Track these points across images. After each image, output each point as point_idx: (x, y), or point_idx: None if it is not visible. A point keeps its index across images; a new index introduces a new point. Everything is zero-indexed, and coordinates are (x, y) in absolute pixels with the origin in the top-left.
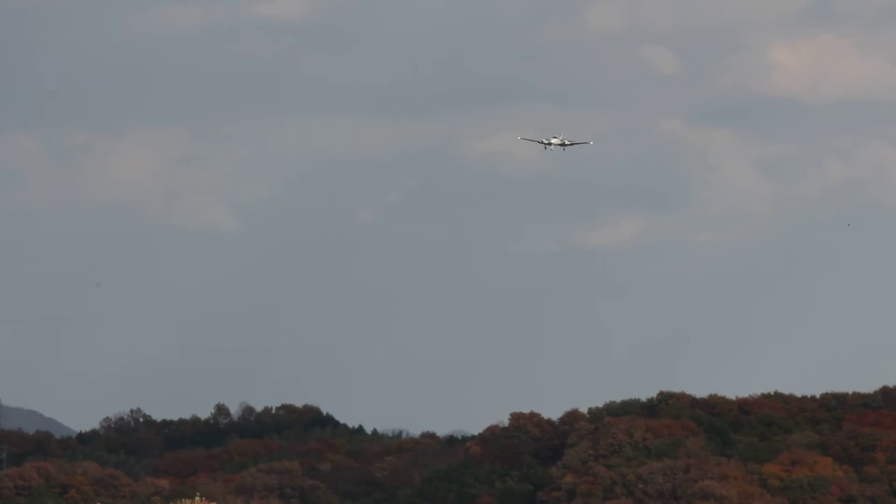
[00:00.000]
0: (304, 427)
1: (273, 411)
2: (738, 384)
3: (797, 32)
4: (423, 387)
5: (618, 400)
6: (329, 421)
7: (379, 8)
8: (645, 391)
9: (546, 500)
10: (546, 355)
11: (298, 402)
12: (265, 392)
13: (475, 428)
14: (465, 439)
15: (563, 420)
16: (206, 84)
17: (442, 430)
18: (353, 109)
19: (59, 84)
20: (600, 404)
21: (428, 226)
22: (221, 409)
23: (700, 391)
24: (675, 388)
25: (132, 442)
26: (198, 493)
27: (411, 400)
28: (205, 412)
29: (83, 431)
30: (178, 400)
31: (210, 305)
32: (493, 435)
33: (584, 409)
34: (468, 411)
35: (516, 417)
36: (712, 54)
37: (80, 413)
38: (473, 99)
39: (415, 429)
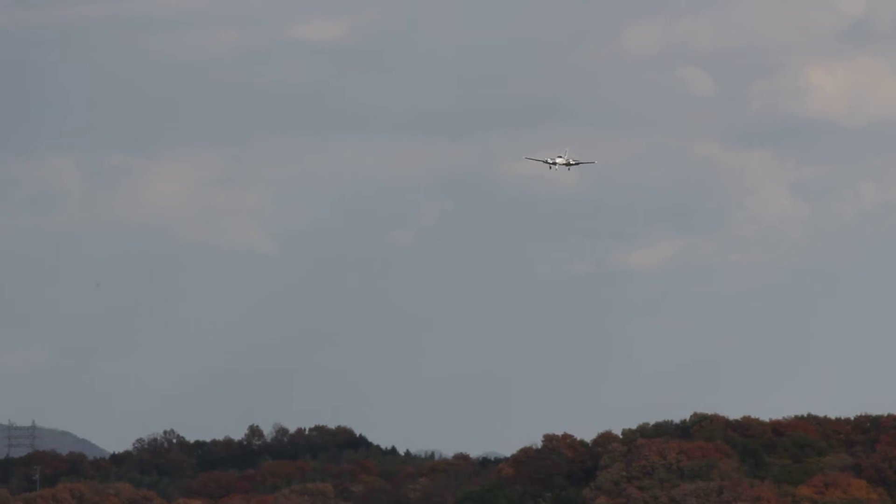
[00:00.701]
0: (337, 448)
1: (306, 433)
2: (771, 406)
3: (834, 55)
4: (456, 408)
5: (651, 422)
6: (362, 442)
7: (415, 30)
8: (678, 413)
9: None
10: (579, 377)
11: (331, 424)
12: (298, 413)
13: (508, 449)
14: (497, 461)
15: (596, 442)
16: (242, 107)
17: (475, 452)
18: (389, 131)
19: (96, 106)
20: (633, 426)
21: (463, 247)
22: (254, 431)
23: (733, 413)
24: (709, 409)
25: (165, 463)
26: None
27: (444, 421)
28: (238, 433)
29: (116, 452)
30: (212, 421)
31: (244, 327)
32: (526, 456)
33: (617, 431)
34: (501, 433)
35: (549, 439)
36: (748, 76)
37: (113, 434)
38: (510, 120)
39: (448, 450)
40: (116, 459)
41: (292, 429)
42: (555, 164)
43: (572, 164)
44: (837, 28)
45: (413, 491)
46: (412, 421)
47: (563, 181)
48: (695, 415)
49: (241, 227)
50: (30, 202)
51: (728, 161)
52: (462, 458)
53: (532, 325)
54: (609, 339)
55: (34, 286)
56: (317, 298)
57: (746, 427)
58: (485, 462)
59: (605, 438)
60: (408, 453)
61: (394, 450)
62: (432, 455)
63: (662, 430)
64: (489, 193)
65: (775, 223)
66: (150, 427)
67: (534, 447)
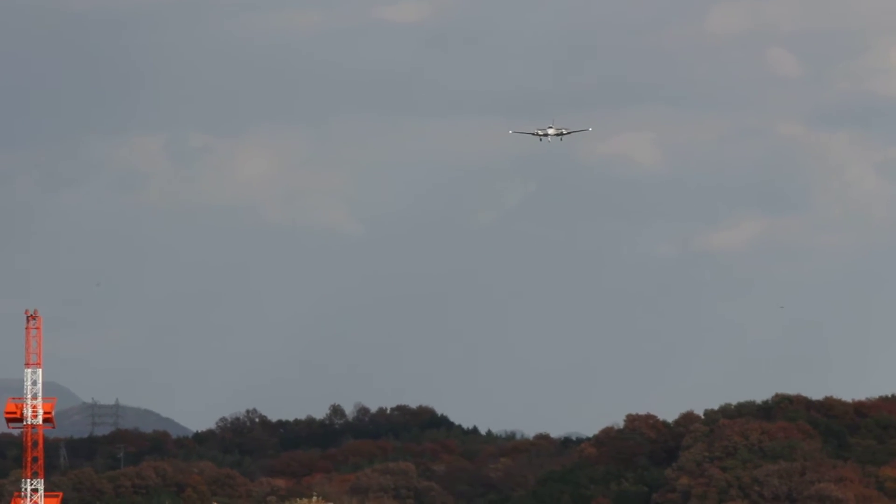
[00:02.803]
0: (418, 428)
1: (388, 412)
2: (854, 386)
3: None
4: (538, 388)
5: (733, 402)
6: (443, 422)
7: (499, 11)
8: (760, 393)
9: (661, 501)
10: (662, 357)
11: (413, 404)
12: (380, 393)
13: (590, 430)
14: (579, 441)
15: (678, 422)
16: (326, 87)
17: (556, 432)
18: (473, 112)
19: (182, 88)
20: (716, 406)
21: (547, 228)
22: (336, 410)
23: (816, 393)
24: (791, 390)
25: (248, 442)
26: (314, 493)
27: (526, 401)
28: (320, 413)
29: (199, 431)
30: (294, 401)
31: (328, 307)
32: (607, 437)
33: (699, 412)
34: (583, 413)
35: (631, 419)
36: (834, 57)
37: (196, 413)
38: (594, 101)
39: (529, 430)
40: (199, 438)
41: (374, 408)
42: (546, 135)
43: (564, 134)
44: None
45: (495, 471)
46: (494, 401)
47: (647, 163)
48: (777, 395)
49: (326, 208)
50: (116, 183)
51: (813, 142)
52: (543, 438)
53: (615, 305)
54: (692, 320)
55: (120, 266)
56: (401, 279)
57: (829, 408)
58: (566, 442)
59: (688, 419)
60: (489, 433)
61: (475, 430)
62: (514, 435)
63: (745, 411)
64: (573, 174)
65: (860, 204)
66: (233, 406)
67: (616, 427)
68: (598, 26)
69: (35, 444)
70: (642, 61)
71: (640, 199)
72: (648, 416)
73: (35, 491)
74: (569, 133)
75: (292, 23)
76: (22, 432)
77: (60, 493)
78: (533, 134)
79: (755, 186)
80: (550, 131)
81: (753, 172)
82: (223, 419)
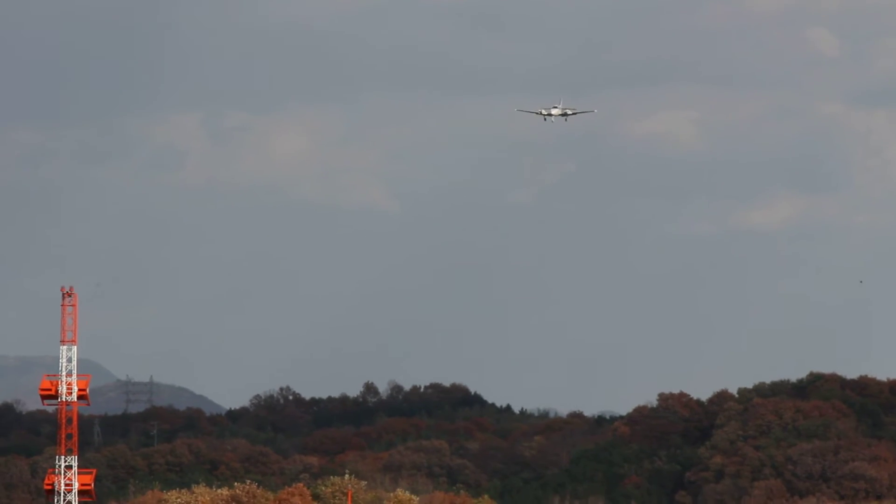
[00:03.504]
0: (451, 406)
1: (421, 390)
2: (890, 365)
3: None
4: (572, 367)
5: (767, 381)
6: (477, 400)
7: None
8: (795, 372)
9: (694, 480)
10: (696, 336)
11: (446, 381)
12: (414, 371)
13: (623, 408)
14: (612, 419)
15: (711, 401)
16: (362, 66)
17: (590, 410)
18: (510, 91)
19: (219, 66)
20: (749, 385)
21: (584, 207)
22: (370, 388)
23: (851, 372)
24: (826, 369)
25: (281, 420)
26: (347, 471)
27: (559, 379)
28: (353, 391)
29: (233, 409)
30: (328, 378)
31: (362, 285)
32: (641, 415)
33: (732, 390)
34: (616, 391)
35: (665, 398)
36: (874, 35)
37: (229, 390)
38: (633, 80)
39: (562, 408)
40: (233, 415)
41: (407, 386)
42: (550, 115)
43: (569, 114)
44: None
45: (528, 449)
46: (527, 379)
47: (686, 142)
48: (811, 374)
49: (362, 187)
50: (153, 160)
51: (853, 121)
52: (577, 417)
53: (650, 284)
54: (727, 298)
55: (155, 243)
56: (436, 257)
57: (864, 386)
58: (600, 420)
59: (721, 397)
60: (523, 411)
61: (509, 408)
62: (547, 413)
63: (779, 390)
64: (611, 153)
65: None
66: (267, 384)
67: (649, 406)
68: (637, 3)
69: (69, 420)
70: (682, 40)
71: (678, 178)
72: (682, 395)
73: (69, 467)
74: (574, 114)
75: (329, 1)
76: (57, 409)
77: (94, 470)
78: (537, 113)
79: (794, 165)
80: (555, 111)
81: (793, 151)
82: (257, 396)
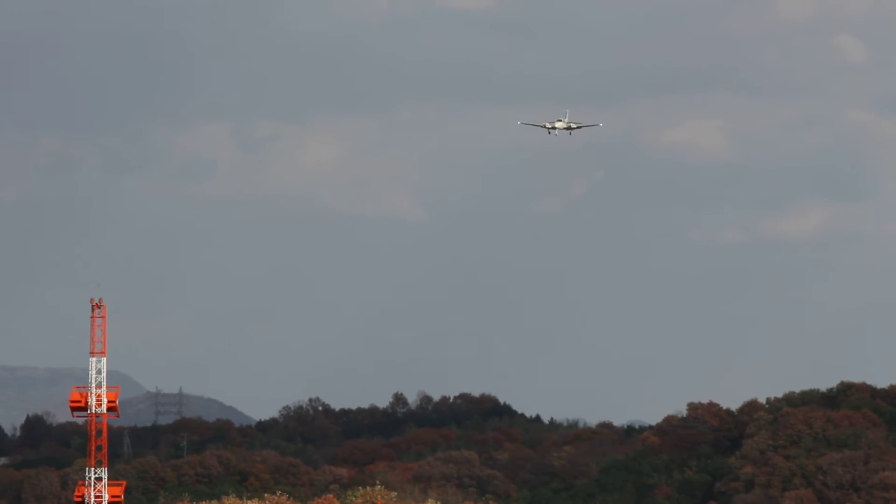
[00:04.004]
0: (481, 416)
1: (450, 401)
2: None
3: None
4: (601, 377)
5: (797, 390)
6: (506, 410)
7: None
8: (825, 381)
9: (724, 490)
10: (725, 345)
11: (476, 392)
12: (443, 382)
13: (652, 418)
14: (642, 429)
15: (741, 410)
16: (391, 75)
17: (619, 420)
18: (538, 99)
19: (249, 76)
20: (779, 394)
21: (613, 216)
22: (399, 399)
23: (881, 381)
24: (856, 378)
25: (310, 430)
26: (377, 482)
27: (588, 390)
28: (383, 401)
29: (262, 420)
30: (357, 389)
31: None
32: (670, 425)
33: (762, 399)
34: (645, 401)
35: (694, 408)
36: None
37: (259, 402)
38: (659, 88)
39: (592, 418)
40: (262, 427)
41: (436, 397)
42: (554, 128)
43: (574, 128)
44: None
45: (558, 459)
46: (556, 389)
47: (713, 150)
48: (841, 383)
49: (390, 196)
50: (183, 169)
51: (881, 128)
52: (606, 427)
53: (679, 293)
54: (756, 307)
55: (185, 253)
56: (463, 267)
57: (894, 395)
58: (629, 430)
59: (751, 407)
60: (552, 421)
61: (538, 418)
62: (576, 423)
63: (808, 399)
64: (639, 161)
65: None
66: (296, 395)
67: (678, 416)
68: (665, 12)
69: (99, 432)
70: (709, 47)
71: (706, 185)
72: (711, 405)
73: (99, 479)
74: (578, 127)
75: (359, 11)
76: (86, 421)
77: (124, 482)
78: (542, 126)
79: (822, 173)
80: (559, 124)
81: (821, 159)
82: (286, 408)
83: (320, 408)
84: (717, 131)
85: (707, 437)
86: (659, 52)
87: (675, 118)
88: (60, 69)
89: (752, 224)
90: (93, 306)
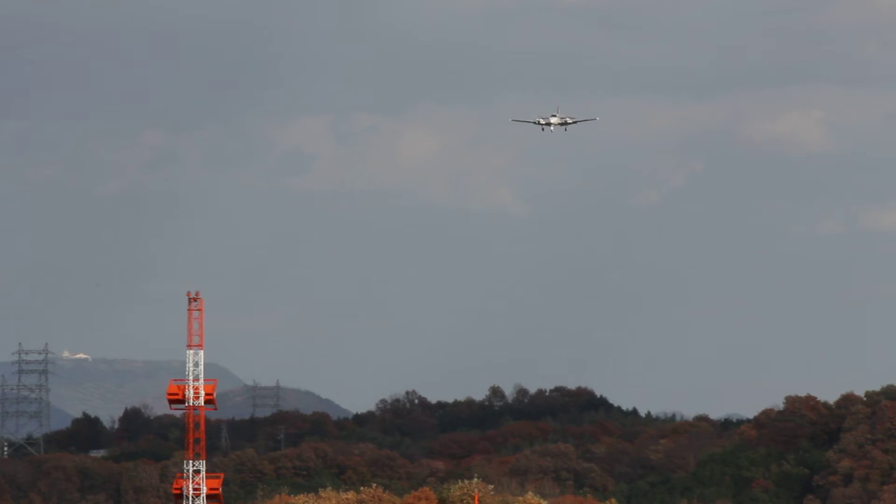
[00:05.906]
0: (577, 409)
1: (547, 393)
2: None
3: None
4: (698, 370)
5: (895, 383)
6: (602, 403)
7: None
8: None
9: (823, 484)
10: (823, 338)
11: (571, 385)
12: (539, 373)
13: (750, 411)
14: (739, 422)
15: (839, 404)
16: (490, 67)
17: (716, 414)
18: (637, 92)
19: (348, 70)
20: (877, 388)
21: (712, 208)
22: (496, 392)
23: None
24: None
25: (407, 424)
26: (474, 475)
27: (685, 382)
28: (479, 394)
29: (359, 413)
30: (453, 382)
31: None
32: (768, 418)
33: (860, 393)
34: (742, 395)
35: (792, 401)
36: None
37: (355, 394)
38: (760, 81)
39: (688, 412)
40: (359, 419)
41: (533, 390)
42: (549, 124)
43: (569, 123)
44: None
45: (655, 452)
46: (653, 382)
47: (814, 141)
48: None
49: (490, 189)
50: (283, 163)
51: None
52: (703, 420)
53: (776, 285)
54: (855, 299)
55: (285, 247)
56: (562, 261)
57: None
58: (726, 424)
59: (849, 400)
60: (648, 415)
61: (635, 411)
62: (673, 417)
63: None
64: (739, 153)
65: None
66: (392, 387)
67: (776, 409)
68: (763, 4)
69: (197, 425)
70: (809, 40)
71: (806, 177)
72: (809, 398)
73: (197, 472)
74: (573, 122)
75: (458, 4)
76: (184, 414)
77: (222, 474)
78: (535, 123)
79: None
80: (553, 120)
81: None
82: (383, 400)
83: (417, 401)
84: (818, 123)
85: (805, 430)
86: (759, 45)
87: (775, 110)
88: (163, 64)
89: (852, 215)
90: (189, 299)
